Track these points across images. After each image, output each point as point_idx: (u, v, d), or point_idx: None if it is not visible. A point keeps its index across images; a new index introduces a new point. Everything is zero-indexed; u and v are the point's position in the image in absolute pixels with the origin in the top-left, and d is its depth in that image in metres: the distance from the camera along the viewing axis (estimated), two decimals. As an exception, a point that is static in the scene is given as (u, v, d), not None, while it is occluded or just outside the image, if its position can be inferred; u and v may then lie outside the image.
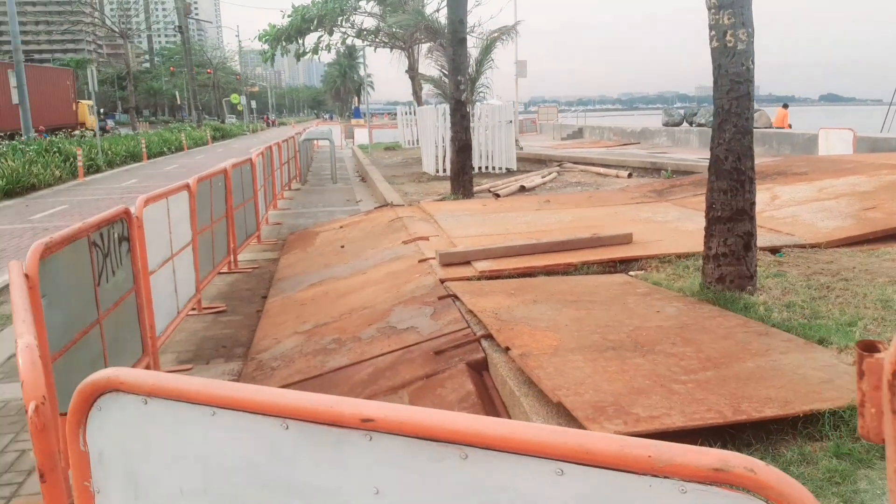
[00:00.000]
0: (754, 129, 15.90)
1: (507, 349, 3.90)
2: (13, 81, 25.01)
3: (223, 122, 63.33)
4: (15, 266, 2.85)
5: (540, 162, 16.88)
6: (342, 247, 8.36)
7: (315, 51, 18.49)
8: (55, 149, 21.40)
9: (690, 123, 28.59)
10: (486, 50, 14.53)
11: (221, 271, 7.78)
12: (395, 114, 29.56)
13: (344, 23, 17.46)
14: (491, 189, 11.92)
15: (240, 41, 77.84)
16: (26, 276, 3.09)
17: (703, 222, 7.65)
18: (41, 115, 38.74)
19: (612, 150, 21.22)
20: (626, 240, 6.56)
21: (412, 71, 18.99)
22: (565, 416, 3.16)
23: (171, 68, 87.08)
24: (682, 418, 2.87)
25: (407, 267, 6.54)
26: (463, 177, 10.87)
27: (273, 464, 1.43)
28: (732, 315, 4.40)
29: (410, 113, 26.51)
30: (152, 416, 1.52)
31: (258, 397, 1.40)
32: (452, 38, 10.45)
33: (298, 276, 7.42)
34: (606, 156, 15.64)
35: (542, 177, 13.01)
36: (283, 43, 16.47)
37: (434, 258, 6.51)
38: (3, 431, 4.27)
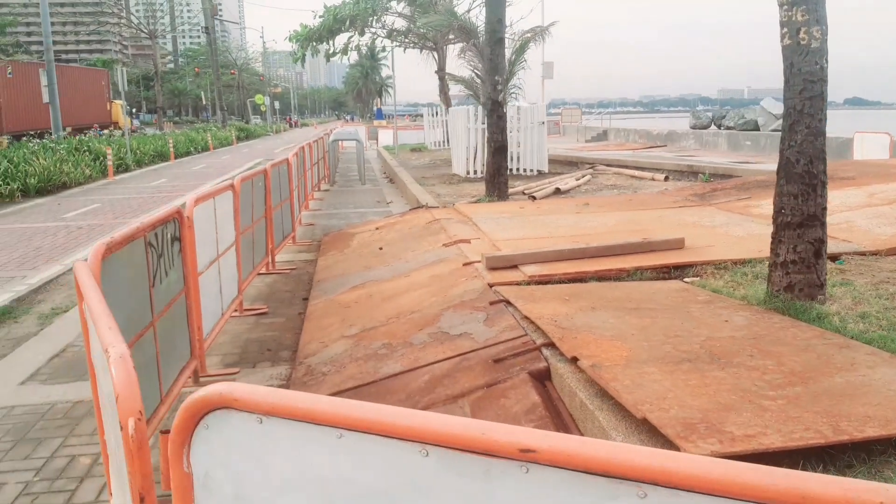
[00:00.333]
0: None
1: (575, 359, 3.73)
2: (43, 80, 25.26)
3: (247, 122, 63.68)
4: (83, 269, 2.74)
5: (570, 164, 16.67)
6: (380, 248, 8.24)
7: (345, 51, 18.42)
8: (85, 148, 21.55)
9: (718, 126, 28.25)
10: (520, 51, 14.34)
11: (260, 272, 7.69)
12: (417, 115, 29.48)
13: (375, 23, 17.41)
14: (525, 191, 11.74)
15: (264, 42, 78.32)
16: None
17: (752, 228, 7.47)
18: (79, 113, 40.31)
19: (639, 152, 20.95)
20: (677, 245, 6.37)
21: (441, 72, 18.84)
22: (648, 432, 2.99)
23: (196, 69, 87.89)
24: (781, 438, 2.69)
25: (451, 270, 6.39)
26: (498, 178, 10.71)
27: (408, 494, 1.28)
28: (806, 326, 4.20)
29: (437, 114, 26.42)
30: (268, 437, 1.38)
31: (396, 420, 1.25)
32: (490, 37, 10.30)
33: (339, 278, 7.30)
34: (639, 158, 15.40)
35: (577, 179, 12.81)
36: (314, 43, 16.40)
37: (479, 262, 6.36)
38: (51, 435, 4.17)
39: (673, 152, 20.66)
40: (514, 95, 15.37)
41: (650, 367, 3.53)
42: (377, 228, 9.65)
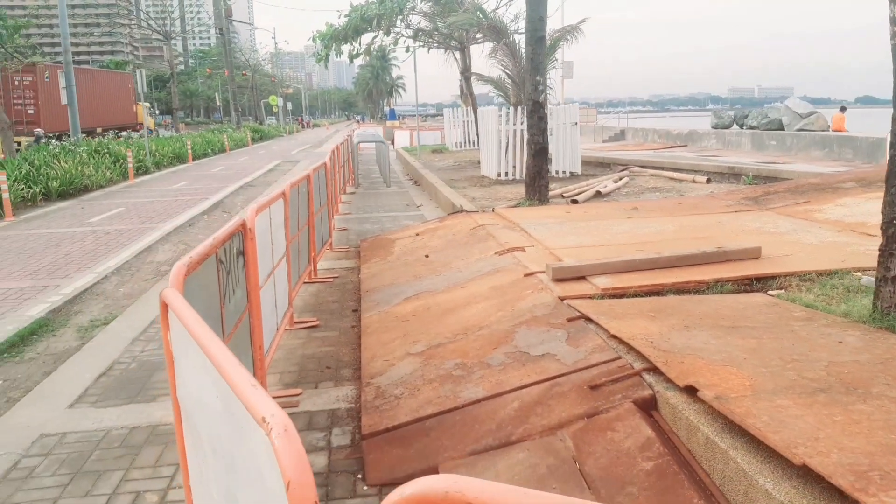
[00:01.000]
0: (810, 133, 15.12)
1: (691, 389, 3.39)
2: (62, 82, 25.10)
3: (261, 123, 63.55)
4: (176, 299, 2.41)
5: (602, 165, 16.29)
6: (426, 256, 7.90)
7: (367, 52, 18.10)
8: (105, 150, 21.34)
9: (741, 126, 27.77)
10: (551, 50, 13.97)
11: (304, 281, 7.38)
12: (429, 116, 29.15)
13: (400, 23, 17.08)
14: (564, 194, 11.39)
15: (276, 43, 78.19)
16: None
17: (823, 235, 7.09)
18: (108, 115, 41.65)
19: (661, 152, 20.56)
20: (754, 254, 6.00)
21: (467, 72, 18.50)
22: (803, 478, 2.64)
23: (208, 70, 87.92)
24: (977, 492, 2.34)
25: (512, 281, 6.05)
26: (539, 181, 10.36)
27: None
28: (932, 348, 3.84)
29: (460, 115, 26.06)
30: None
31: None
32: (531, 36, 9.95)
33: (388, 288, 6.97)
34: (663, 158, 15.01)
35: (614, 181, 12.44)
36: (338, 43, 16.09)
37: (541, 272, 6.03)
38: (111, 467, 3.86)
39: (695, 152, 20.26)
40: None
41: (782, 398, 3.17)
42: (417, 234, 9.32)
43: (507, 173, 14.44)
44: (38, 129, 27.84)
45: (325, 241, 9.08)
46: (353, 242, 10.23)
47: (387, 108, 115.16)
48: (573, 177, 14.29)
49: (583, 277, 5.74)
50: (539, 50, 9.93)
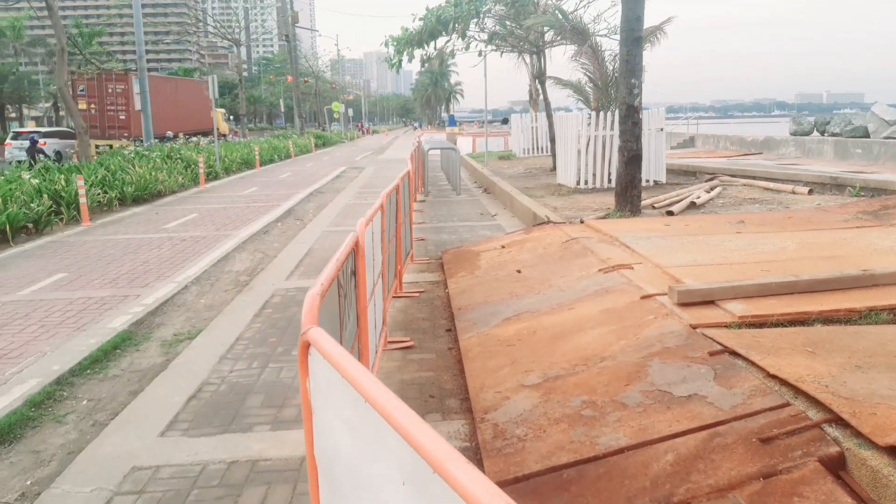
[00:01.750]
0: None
1: (905, 451, 2.79)
2: (136, 88, 25.57)
3: (324, 129, 64.20)
4: (323, 339, 1.98)
5: (688, 174, 15.50)
6: (518, 271, 7.40)
7: (439, 56, 17.73)
8: (177, 155, 21.56)
9: (822, 133, 26.40)
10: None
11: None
12: (486, 122, 28.57)
13: (474, 26, 16.66)
14: (655, 205, 10.73)
15: (338, 49, 79.01)
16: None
17: (974, 255, 6.30)
18: (189, 121, 43.62)
19: (736, 160, 19.60)
20: (907, 279, 5.30)
21: (542, 76, 17.95)
22: None
23: (272, 76, 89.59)
24: None
25: (626, 304, 5.49)
26: (632, 191, 9.74)
27: None
28: None
29: (528, 120, 25.49)
30: None
31: None
32: (628, 36, 9.36)
33: (483, 307, 6.49)
34: (769, 169, 14.12)
35: (707, 192, 11.71)
36: (413, 47, 15.77)
37: (659, 294, 5.45)
38: (211, 509, 3.47)
39: (772, 160, 19.24)
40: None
41: None
42: (503, 247, 8.83)
43: (586, 181, 13.83)
44: (32, 135, 28.53)
45: (408, 253, 8.68)
46: (433, 253, 9.81)
47: (444, 115, 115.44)
48: (658, 186, 13.58)
49: (712, 302, 5.14)
50: (635, 51, 9.33)
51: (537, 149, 25.33)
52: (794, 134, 27.45)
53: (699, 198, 10.96)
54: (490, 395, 4.51)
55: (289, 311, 7.07)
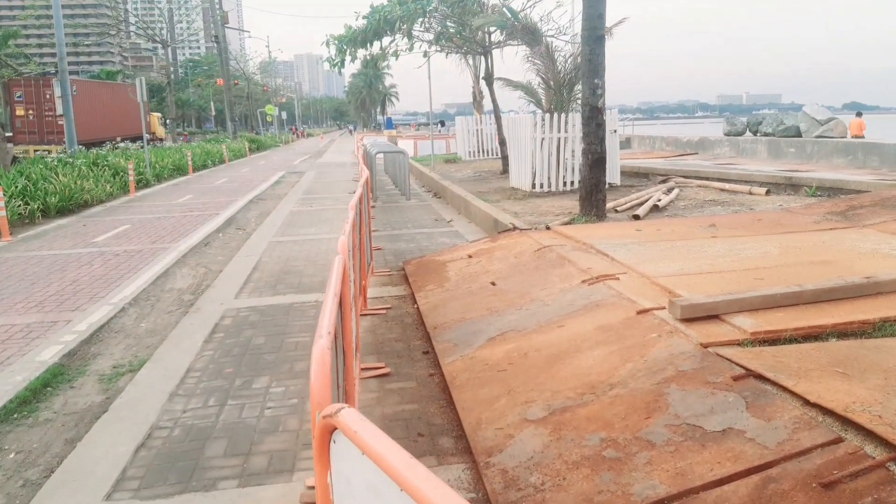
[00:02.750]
0: (832, 140, 14.36)
1: None
2: (57, 91, 24.00)
3: (258, 133, 62.45)
4: (356, 420, 1.43)
5: (639, 175, 15.37)
6: (493, 283, 6.93)
7: (382, 57, 17.15)
8: (104, 162, 20.27)
9: (754, 133, 27.01)
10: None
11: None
12: (421, 125, 28.21)
13: (420, 26, 16.14)
14: (617, 208, 10.45)
15: (269, 51, 77.07)
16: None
17: (959, 257, 6.18)
18: (122, 126, 42.78)
19: (674, 160, 19.77)
20: (910, 285, 5.07)
21: (490, 77, 17.57)
22: None
23: (200, 79, 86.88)
24: None
25: (623, 320, 5.08)
26: (597, 195, 9.42)
27: None
28: None
29: (471, 123, 25.09)
30: None
31: None
32: (590, 34, 9.03)
33: (460, 325, 5.99)
34: (722, 169, 14.10)
35: (665, 193, 11.53)
36: (356, 47, 15.12)
37: (658, 308, 5.07)
38: None
39: (708, 160, 19.47)
40: (578, 102, 14.09)
41: None
42: (470, 256, 8.34)
43: (542, 185, 13.50)
44: None
45: (369, 265, 8.10)
46: (392, 264, 9.25)
47: (380, 117, 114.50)
48: (614, 188, 13.36)
49: (716, 316, 4.78)
50: (598, 50, 9.01)
51: (482, 151, 24.99)
52: (727, 134, 28.00)
53: (660, 200, 10.75)
54: (490, 432, 4.00)
55: (243, 335, 6.39)
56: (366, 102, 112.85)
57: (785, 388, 3.60)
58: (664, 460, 3.29)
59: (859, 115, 28.43)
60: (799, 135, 23.27)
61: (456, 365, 5.15)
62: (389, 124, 67.30)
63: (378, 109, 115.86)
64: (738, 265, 6.21)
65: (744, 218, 8.89)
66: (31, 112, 35.49)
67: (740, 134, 27.93)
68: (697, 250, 6.94)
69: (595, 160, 9.34)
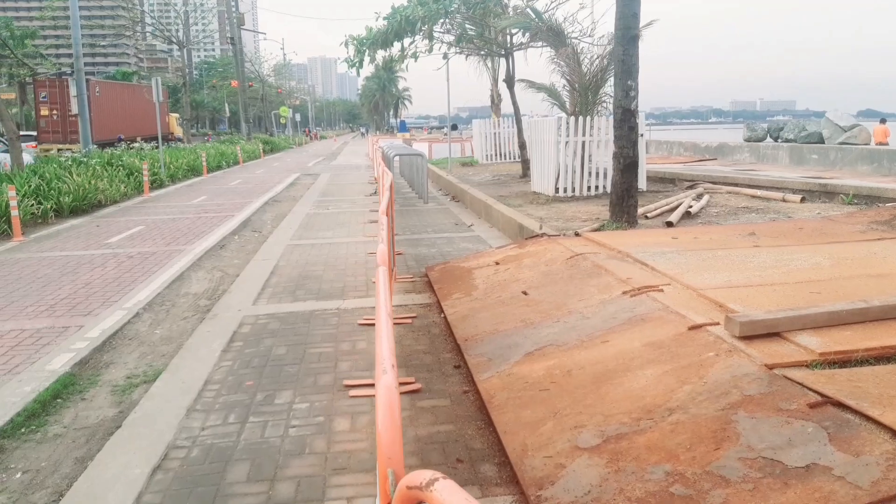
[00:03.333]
0: (856, 146, 13.94)
1: None
2: (72, 91, 23.90)
3: (272, 135, 62.39)
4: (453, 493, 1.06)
5: (664, 181, 14.99)
6: (524, 293, 6.58)
7: (401, 59, 16.86)
8: (119, 162, 20.09)
9: (775, 139, 26.56)
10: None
11: (385, 327, 6.05)
12: (433, 128, 27.89)
13: (441, 27, 15.82)
14: (647, 214, 10.08)
15: (284, 53, 77.11)
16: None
17: None
18: (143, 126, 44.33)
19: (693, 166, 19.31)
20: None
21: (511, 79, 17.24)
22: None
23: (214, 81, 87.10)
24: None
25: (673, 336, 4.72)
26: (628, 201, 9.06)
27: None
28: None
29: (489, 126, 24.75)
30: None
31: None
32: (623, 34, 8.68)
33: (493, 337, 5.64)
34: (751, 175, 13.68)
35: (694, 199, 11.14)
36: (372, 49, 14.83)
37: (711, 324, 4.71)
38: None
39: (727, 166, 19.03)
40: (604, 105, 13.74)
41: None
42: (497, 263, 8.00)
43: (565, 189, 13.14)
44: None
45: (392, 271, 7.77)
46: (414, 269, 8.93)
47: (393, 120, 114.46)
48: (641, 194, 12.95)
49: (777, 334, 4.41)
50: (632, 50, 8.65)
51: (500, 155, 24.64)
52: (748, 140, 27.58)
53: (691, 207, 10.37)
54: (538, 461, 3.65)
55: (262, 345, 6.07)
56: (379, 105, 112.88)
57: (870, 418, 3.24)
58: (743, 500, 2.93)
59: (883, 121, 27.90)
60: (821, 141, 22.81)
61: (492, 382, 4.81)
62: (403, 127, 67.06)
63: (391, 112, 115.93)
64: (788, 277, 5.83)
65: (784, 226, 8.50)
66: (55, 112, 36.78)
67: (761, 140, 27.51)
68: (741, 260, 6.56)
69: (627, 164, 8.98)
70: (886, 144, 23.83)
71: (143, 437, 4.32)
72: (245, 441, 4.21)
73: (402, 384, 4.98)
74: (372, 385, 5.02)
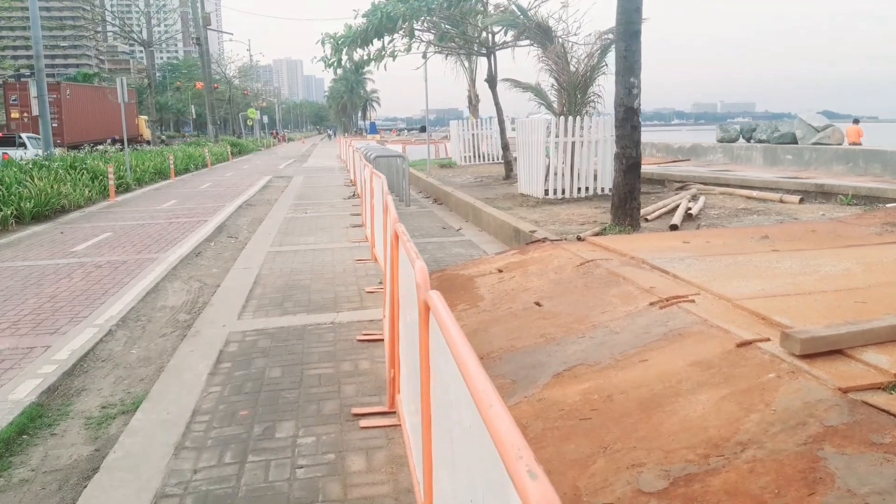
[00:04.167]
0: (831, 146, 13.79)
1: None
2: (33, 92, 22.84)
3: (239, 137, 61.17)
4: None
5: (651, 182, 14.66)
6: (538, 304, 6.10)
7: (380, 58, 16.27)
8: (82, 166, 19.17)
9: (748, 139, 26.61)
10: (605, 52, 12.36)
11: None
12: (402, 130, 27.41)
13: (421, 24, 15.29)
14: (647, 217, 9.69)
15: (251, 54, 75.86)
16: None
17: None
18: (113, 128, 43.90)
19: (667, 166, 19.13)
20: None
21: (493, 79, 16.79)
22: None
23: (178, 83, 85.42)
24: None
25: (721, 354, 4.27)
26: (631, 203, 8.65)
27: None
28: None
29: (467, 127, 24.28)
30: None
31: None
32: (625, 29, 8.27)
33: (512, 356, 5.14)
34: (742, 176, 13.41)
35: (689, 201, 10.80)
36: (354, 47, 14.25)
37: (761, 340, 4.27)
38: None
39: (701, 166, 18.89)
40: (592, 105, 13.36)
41: None
42: (500, 271, 7.51)
43: (555, 191, 12.73)
44: None
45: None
46: (407, 278, 8.37)
47: (361, 122, 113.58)
48: (631, 195, 12.62)
49: (839, 351, 3.99)
50: (634, 46, 8.25)
51: (478, 156, 24.20)
52: (721, 140, 27.59)
53: (689, 209, 10.00)
54: (597, 507, 3.16)
55: (254, 366, 5.49)
56: (347, 107, 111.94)
57: None
58: (862, 562, 2.47)
59: (857, 121, 28.14)
60: (794, 142, 22.84)
61: (522, 409, 4.30)
62: (373, 129, 66.49)
63: (359, 114, 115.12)
64: (824, 285, 5.44)
65: (795, 228, 8.15)
66: (25, 115, 36.69)
67: (734, 140, 27.54)
68: (766, 266, 6.17)
69: (630, 165, 8.57)
70: (860, 144, 23.98)
71: (126, 483, 3.72)
72: (246, 487, 3.63)
73: (418, 412, 4.45)
74: (384, 413, 4.49)
